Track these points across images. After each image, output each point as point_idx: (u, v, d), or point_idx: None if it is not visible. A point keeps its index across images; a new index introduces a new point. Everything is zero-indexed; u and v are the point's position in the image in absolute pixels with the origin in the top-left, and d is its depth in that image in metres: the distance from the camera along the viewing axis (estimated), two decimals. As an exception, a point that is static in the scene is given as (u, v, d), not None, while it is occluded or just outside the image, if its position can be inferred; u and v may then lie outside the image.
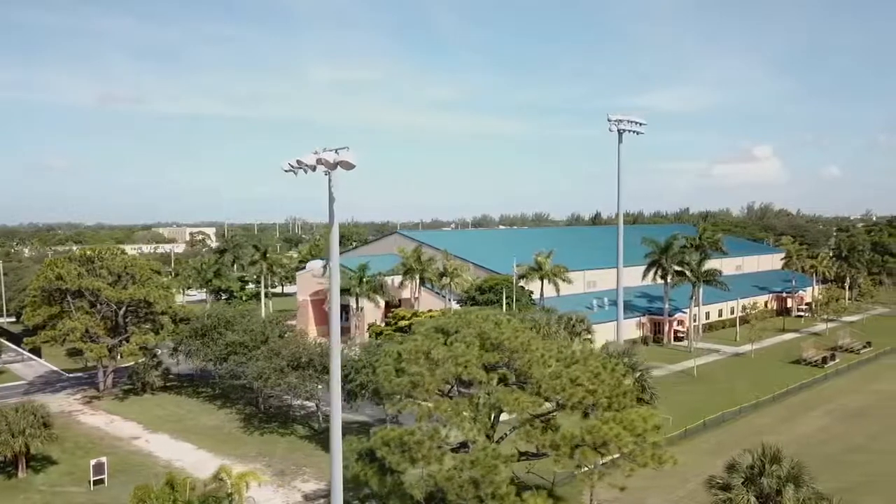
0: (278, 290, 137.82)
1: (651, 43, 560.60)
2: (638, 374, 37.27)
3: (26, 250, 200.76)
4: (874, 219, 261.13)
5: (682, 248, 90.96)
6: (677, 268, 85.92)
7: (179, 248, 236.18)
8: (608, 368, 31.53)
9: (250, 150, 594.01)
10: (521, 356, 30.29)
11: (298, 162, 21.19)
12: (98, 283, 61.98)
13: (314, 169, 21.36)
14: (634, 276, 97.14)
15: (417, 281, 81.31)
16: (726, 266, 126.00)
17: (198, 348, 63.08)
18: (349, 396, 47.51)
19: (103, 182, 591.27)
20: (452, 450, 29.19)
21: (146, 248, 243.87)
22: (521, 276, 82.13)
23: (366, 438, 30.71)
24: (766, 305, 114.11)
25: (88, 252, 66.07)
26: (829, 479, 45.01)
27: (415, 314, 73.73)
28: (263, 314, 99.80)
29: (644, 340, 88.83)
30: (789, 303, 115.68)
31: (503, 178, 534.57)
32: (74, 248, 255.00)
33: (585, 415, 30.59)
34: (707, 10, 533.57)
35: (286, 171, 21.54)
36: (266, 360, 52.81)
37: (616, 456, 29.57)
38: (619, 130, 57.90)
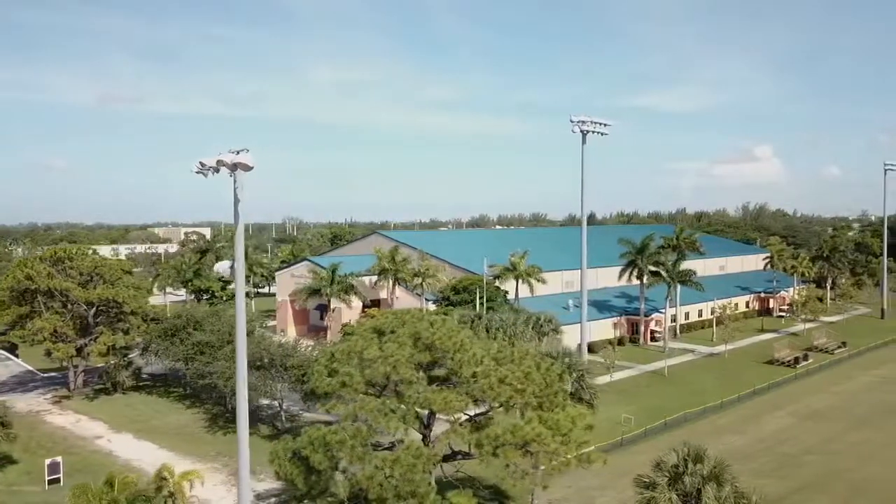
0: (265, 290, 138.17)
1: (651, 43, 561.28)
2: (576, 375, 37.52)
3: (19, 250, 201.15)
4: (873, 219, 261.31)
5: (659, 248, 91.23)
6: (653, 268, 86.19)
7: (174, 248, 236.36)
8: (542, 368, 31.86)
9: (250, 150, 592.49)
10: (452, 356, 30.54)
11: (201, 164, 21.47)
12: (67, 284, 62.30)
13: (217, 171, 21.64)
14: (613, 277, 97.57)
15: (391, 281, 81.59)
16: (710, 266, 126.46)
17: (166, 348, 63.36)
18: (307, 396, 47.78)
19: (103, 182, 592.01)
20: (385, 449, 29.52)
21: (140, 248, 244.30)
22: (496, 277, 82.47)
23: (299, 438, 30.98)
24: (747, 306, 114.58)
25: (59, 252, 66.34)
26: (783, 479, 45.69)
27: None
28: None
29: (620, 341, 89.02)
30: (771, 303, 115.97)
31: (502, 179, 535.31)
32: (67, 247, 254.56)
33: (524, 414, 30.99)
34: (707, 10, 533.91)
35: (196, 172, 21.82)
36: (228, 360, 53.08)
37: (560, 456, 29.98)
38: (581, 131, 58.04)
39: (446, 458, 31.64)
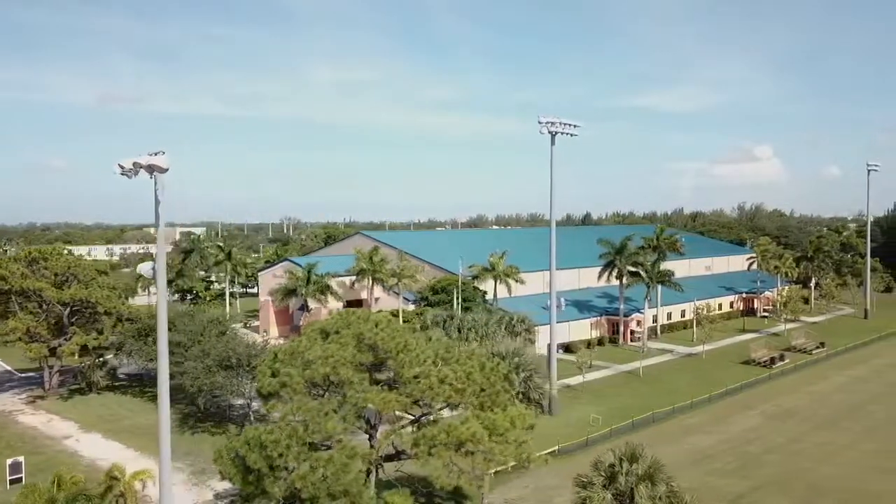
0: (254, 290, 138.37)
1: (651, 43, 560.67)
2: (524, 375, 37.70)
3: (12, 249, 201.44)
4: (871, 219, 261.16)
5: (639, 248, 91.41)
6: (632, 268, 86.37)
7: (168, 249, 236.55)
8: (486, 369, 32.10)
9: (250, 150, 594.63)
10: (394, 356, 30.78)
11: (121, 166, 21.73)
12: (41, 284, 62.52)
13: (136, 173, 21.89)
14: (596, 277, 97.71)
15: (370, 281, 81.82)
16: (695, 267, 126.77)
17: (140, 348, 63.57)
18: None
19: (103, 182, 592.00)
20: (327, 449, 29.71)
21: (135, 248, 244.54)
22: (474, 277, 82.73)
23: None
24: (731, 306, 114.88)
25: (33, 253, 66.57)
26: (743, 478, 45.97)
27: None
28: (228, 314, 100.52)
29: (600, 341, 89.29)
30: (756, 304, 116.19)
31: (502, 179, 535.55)
32: (62, 248, 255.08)
33: (503, 409, 31.29)
34: (707, 11, 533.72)
35: (120, 174, 22.06)
36: (195, 360, 53.35)
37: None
38: (550, 132, 58.25)
39: (390, 458, 31.89)
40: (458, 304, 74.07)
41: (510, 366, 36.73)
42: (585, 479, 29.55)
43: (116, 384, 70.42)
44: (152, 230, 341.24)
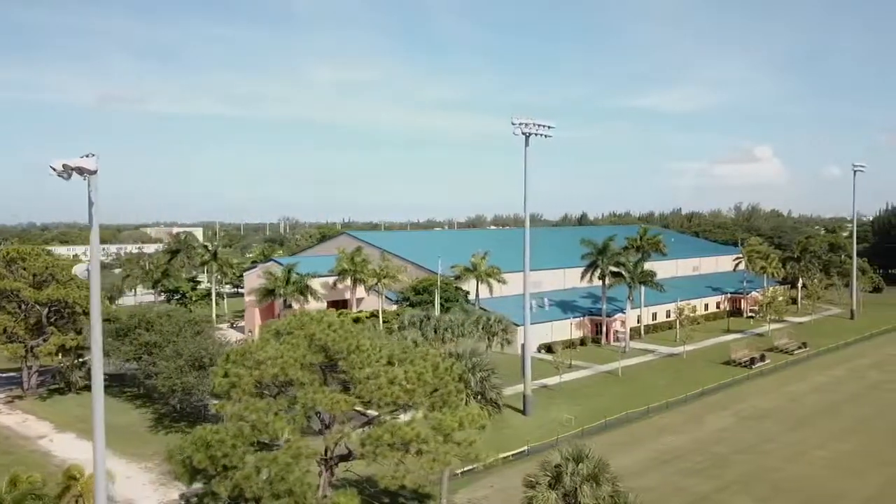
0: (244, 289, 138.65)
1: (651, 43, 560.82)
2: (481, 375, 37.92)
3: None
4: (866, 219, 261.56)
5: (623, 248, 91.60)
6: (614, 269, 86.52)
7: (152, 249, 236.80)
8: (440, 369, 32.24)
9: (250, 150, 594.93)
10: (346, 357, 30.93)
11: (52, 168, 21.90)
12: (17, 284, 62.71)
13: (70, 175, 22.05)
14: (580, 277, 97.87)
15: (350, 282, 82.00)
16: (683, 267, 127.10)
17: (118, 348, 63.80)
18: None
19: (103, 182, 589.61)
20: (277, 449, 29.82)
21: (131, 248, 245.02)
22: (457, 277, 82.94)
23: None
24: (718, 307, 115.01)
25: (11, 253, 66.72)
26: (709, 478, 46.16)
27: (339, 314, 74.21)
28: (214, 314, 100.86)
29: (582, 341, 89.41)
30: (743, 304, 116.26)
31: (501, 179, 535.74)
32: (59, 247, 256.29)
33: (440, 411, 31.45)
34: (707, 11, 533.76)
35: (56, 175, 22.21)
36: (168, 360, 53.56)
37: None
38: (524, 134, 58.43)
39: (343, 459, 32.04)
40: (438, 304, 74.24)
41: (466, 366, 36.87)
42: (533, 479, 29.73)
43: (96, 384, 70.64)
44: (149, 230, 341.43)
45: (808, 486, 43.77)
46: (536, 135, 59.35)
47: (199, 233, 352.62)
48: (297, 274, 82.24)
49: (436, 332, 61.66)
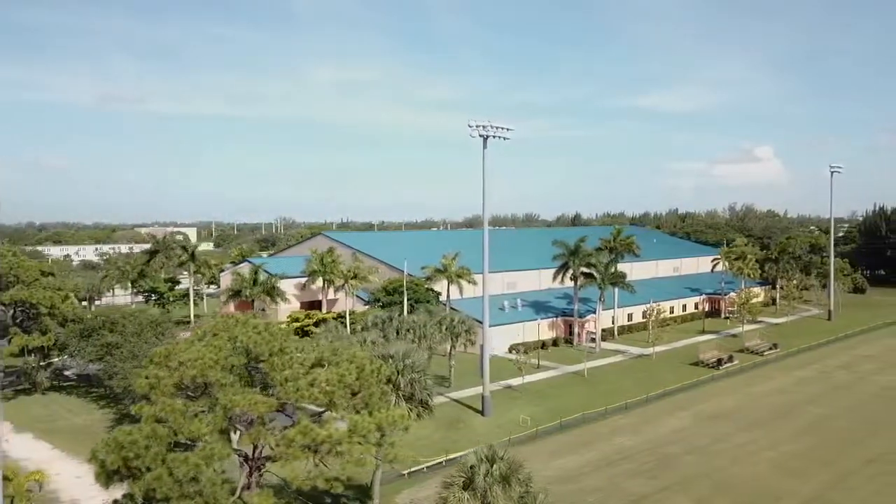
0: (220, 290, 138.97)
1: (651, 43, 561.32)
2: (410, 377, 38.23)
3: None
4: (860, 219, 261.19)
5: (596, 249, 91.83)
6: (585, 270, 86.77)
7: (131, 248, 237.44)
8: (365, 371, 32.58)
9: (250, 149, 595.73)
10: (267, 359, 31.26)
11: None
12: (-19, 285, 63.12)
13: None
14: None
15: (321, 282, 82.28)
16: (663, 268, 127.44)
17: (83, 349, 64.18)
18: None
19: (103, 182, 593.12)
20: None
21: (123, 248, 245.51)
22: (428, 278, 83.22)
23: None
24: (696, 307, 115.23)
25: (-24, 254, 67.21)
26: (653, 479, 46.47)
27: (307, 315, 74.75)
28: (192, 315, 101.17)
29: (554, 342, 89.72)
30: (722, 305, 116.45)
31: (499, 179, 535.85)
32: (52, 247, 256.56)
33: (370, 413, 31.87)
34: (707, 11, 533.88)
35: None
36: (124, 361, 53.92)
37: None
38: (481, 136, 58.71)
39: (270, 460, 32.30)
40: (405, 305, 74.53)
41: (397, 368, 37.19)
42: (449, 480, 30.06)
43: (64, 384, 71.16)
44: (143, 230, 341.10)
45: (748, 487, 44.04)
46: (494, 137, 59.58)
47: (193, 233, 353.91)
48: (270, 274, 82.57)
49: (398, 333, 61.94)
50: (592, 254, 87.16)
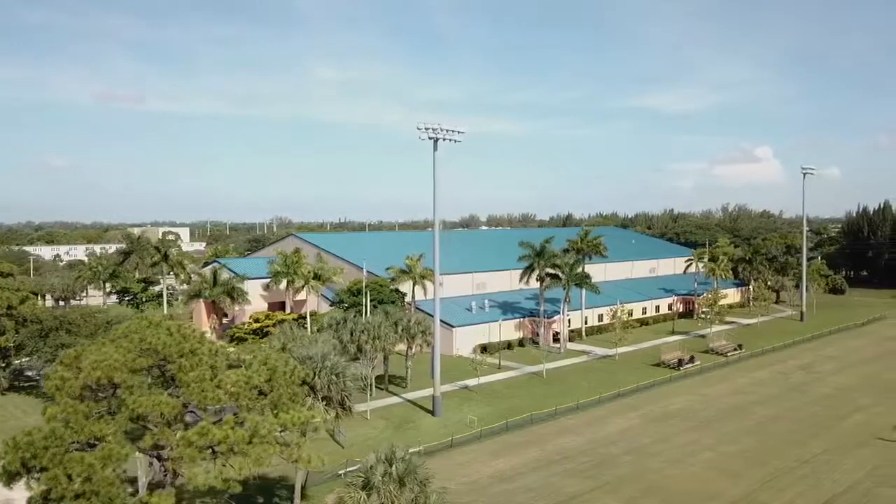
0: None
1: (652, 43, 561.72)
2: (328, 378, 38.61)
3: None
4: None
5: (563, 251, 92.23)
6: (550, 270, 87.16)
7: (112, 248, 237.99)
8: (278, 373, 33.04)
9: (250, 149, 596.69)
10: (175, 361, 31.67)
11: None
12: (-63, 286, 63.50)
13: None
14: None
15: (285, 284, 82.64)
16: (639, 269, 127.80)
17: (39, 349, 64.59)
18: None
19: (103, 182, 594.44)
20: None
21: (115, 248, 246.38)
22: (392, 279, 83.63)
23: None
24: (670, 308, 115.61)
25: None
26: (587, 479, 46.94)
27: (267, 317, 75.13)
28: (164, 314, 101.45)
29: (521, 342, 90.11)
30: (696, 305, 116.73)
31: (499, 178, 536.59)
32: (44, 247, 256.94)
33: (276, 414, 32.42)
34: (708, 11, 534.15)
35: None
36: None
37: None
38: (431, 139, 59.08)
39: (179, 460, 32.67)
40: (366, 305, 74.93)
41: (315, 369, 37.60)
42: (351, 480, 30.48)
43: (24, 385, 71.56)
44: (135, 229, 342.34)
45: (680, 488, 44.40)
46: (445, 139, 59.96)
47: (186, 232, 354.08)
48: (235, 274, 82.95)
49: (352, 334, 62.30)
50: (558, 255, 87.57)
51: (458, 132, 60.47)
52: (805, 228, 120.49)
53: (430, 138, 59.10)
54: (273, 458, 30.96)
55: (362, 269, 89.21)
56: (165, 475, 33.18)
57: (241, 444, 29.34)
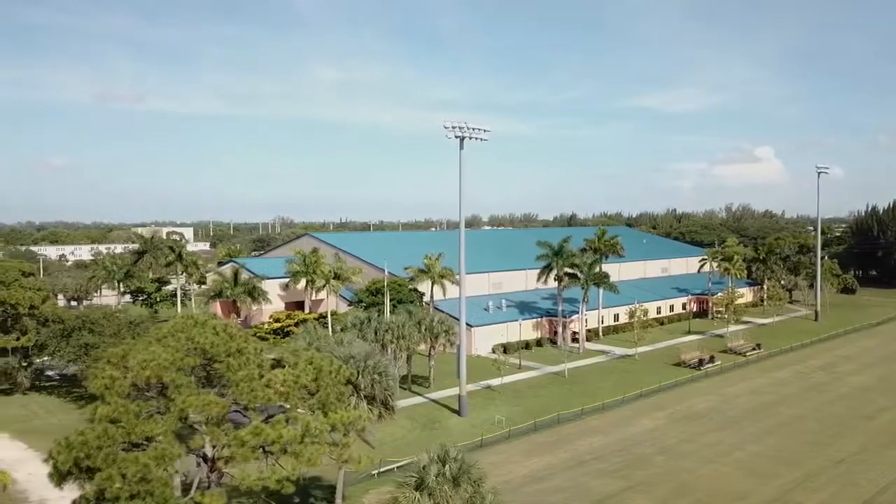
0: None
1: (652, 44, 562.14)
2: (372, 378, 38.53)
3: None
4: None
5: (580, 250, 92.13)
6: (569, 270, 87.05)
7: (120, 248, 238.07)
8: (324, 372, 32.93)
9: (250, 149, 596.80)
10: (223, 360, 31.56)
11: None
12: (-41, 286, 63.34)
13: None
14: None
15: (304, 283, 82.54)
16: (651, 269, 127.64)
17: (62, 349, 64.43)
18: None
19: (102, 181, 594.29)
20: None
21: (119, 248, 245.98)
22: (411, 279, 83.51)
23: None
24: (684, 308, 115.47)
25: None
26: (620, 479, 46.80)
27: (288, 316, 75.02)
28: (178, 314, 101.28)
29: (538, 342, 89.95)
30: (710, 305, 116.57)
31: (499, 178, 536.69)
32: (48, 247, 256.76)
33: (325, 414, 32.30)
34: (708, 11, 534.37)
35: None
36: (97, 362, 54.09)
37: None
38: (457, 137, 58.96)
39: (228, 461, 32.57)
40: (387, 305, 74.81)
41: (358, 369, 37.50)
42: (402, 481, 30.37)
43: (45, 385, 71.47)
44: (140, 230, 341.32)
45: (712, 487, 44.34)
46: (471, 138, 59.82)
47: (190, 233, 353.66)
48: (253, 274, 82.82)
49: (376, 334, 62.22)
50: (576, 254, 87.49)
51: (485, 130, 60.36)
52: (819, 227, 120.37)
53: (456, 137, 58.98)
54: (322, 458, 31.04)
55: (379, 268, 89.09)
56: (209, 475, 33.18)
57: (295, 444, 29.25)
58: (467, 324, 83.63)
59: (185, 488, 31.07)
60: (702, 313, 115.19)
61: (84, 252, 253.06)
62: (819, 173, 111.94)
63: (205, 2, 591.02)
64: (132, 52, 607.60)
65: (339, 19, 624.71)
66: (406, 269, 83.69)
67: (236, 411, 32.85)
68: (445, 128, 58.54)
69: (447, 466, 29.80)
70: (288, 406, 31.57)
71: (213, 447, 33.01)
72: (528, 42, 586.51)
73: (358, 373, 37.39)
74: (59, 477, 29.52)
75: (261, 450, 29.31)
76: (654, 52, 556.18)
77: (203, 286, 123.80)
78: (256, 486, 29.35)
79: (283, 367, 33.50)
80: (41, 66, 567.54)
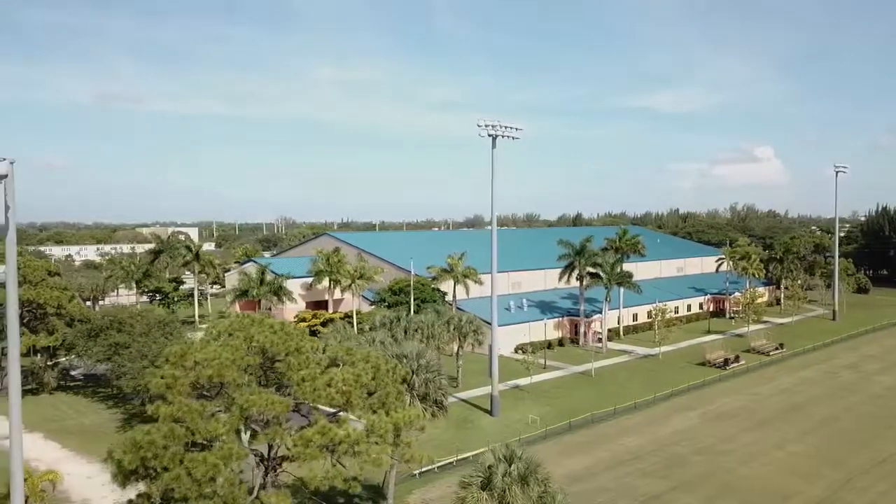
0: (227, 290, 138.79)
1: (652, 44, 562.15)
2: (426, 377, 38.29)
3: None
4: (862, 219, 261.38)
5: (601, 249, 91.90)
6: (591, 269, 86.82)
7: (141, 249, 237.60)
8: (381, 371, 32.67)
9: (250, 149, 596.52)
10: (283, 359, 31.32)
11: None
12: (-11, 285, 63.01)
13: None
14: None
15: (327, 283, 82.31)
16: (667, 268, 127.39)
17: (90, 349, 64.17)
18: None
19: (103, 182, 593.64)
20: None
21: (125, 248, 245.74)
22: (434, 278, 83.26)
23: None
24: (701, 307, 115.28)
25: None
26: (662, 479, 46.51)
27: (314, 315, 74.74)
28: (196, 314, 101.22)
29: (560, 342, 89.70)
30: (726, 305, 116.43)
31: (501, 178, 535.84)
32: (53, 247, 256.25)
33: (387, 413, 32.07)
34: (707, 11, 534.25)
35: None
36: (133, 361, 53.97)
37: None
38: (490, 136, 58.75)
39: (286, 460, 32.34)
40: (412, 304, 74.55)
41: (411, 368, 37.27)
42: (467, 480, 30.12)
43: (71, 384, 71.19)
44: (144, 230, 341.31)
45: (756, 487, 44.12)
46: (504, 136, 59.63)
47: (195, 233, 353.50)
48: (276, 274, 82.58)
49: (406, 333, 62.00)
50: (598, 254, 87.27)
51: (517, 129, 60.18)
52: (837, 227, 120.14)
53: (489, 135, 58.81)
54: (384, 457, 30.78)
55: (399, 267, 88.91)
56: (267, 474, 32.95)
57: (362, 444, 29.00)
58: (489, 323, 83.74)
59: (248, 489, 30.83)
60: (718, 313, 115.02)
61: (90, 252, 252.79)
62: (837, 172, 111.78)
63: (205, 2, 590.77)
64: (132, 52, 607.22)
65: (339, 19, 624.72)
66: (428, 268, 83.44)
67: (294, 410, 32.65)
68: (479, 126, 58.41)
69: (514, 466, 29.54)
70: (347, 406, 31.37)
71: (271, 447, 32.88)
72: (529, 42, 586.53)
73: (412, 372, 37.14)
74: (124, 477, 29.32)
75: (326, 449, 29.06)
76: (655, 52, 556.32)
77: (217, 286, 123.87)
78: (323, 485, 29.13)
79: (338, 365, 33.27)
80: (41, 66, 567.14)
